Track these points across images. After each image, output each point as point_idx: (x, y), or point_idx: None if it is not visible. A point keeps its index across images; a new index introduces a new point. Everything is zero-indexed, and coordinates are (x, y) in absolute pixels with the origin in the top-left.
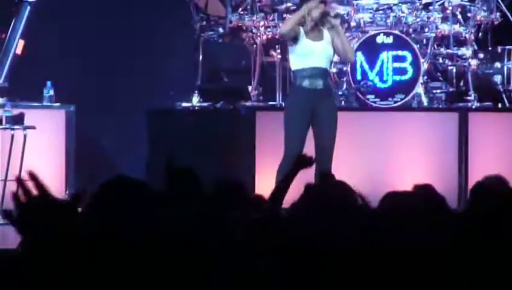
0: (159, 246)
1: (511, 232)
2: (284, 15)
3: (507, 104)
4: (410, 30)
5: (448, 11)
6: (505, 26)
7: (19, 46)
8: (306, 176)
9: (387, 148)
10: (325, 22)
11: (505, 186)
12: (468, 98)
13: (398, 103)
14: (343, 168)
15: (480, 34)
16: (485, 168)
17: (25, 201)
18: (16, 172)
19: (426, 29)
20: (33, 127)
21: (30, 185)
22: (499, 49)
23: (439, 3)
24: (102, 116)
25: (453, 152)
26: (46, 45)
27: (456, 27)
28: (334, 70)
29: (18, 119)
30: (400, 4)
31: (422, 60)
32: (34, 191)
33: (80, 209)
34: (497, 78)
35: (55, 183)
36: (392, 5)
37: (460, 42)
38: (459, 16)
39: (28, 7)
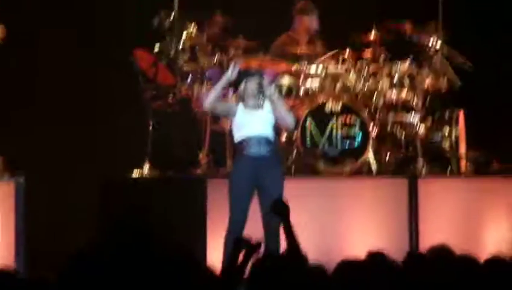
0: None
1: None
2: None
3: (455, 170)
4: (359, 97)
5: (395, 78)
6: (452, 91)
7: None
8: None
9: (338, 214)
10: (261, 91)
11: (450, 255)
12: (417, 164)
13: (348, 170)
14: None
15: (428, 100)
16: (435, 233)
17: None
18: None
19: (374, 96)
20: None
21: None
22: (447, 114)
23: (386, 70)
24: (52, 188)
25: (404, 218)
26: None
27: (404, 93)
28: (283, 137)
29: None
30: (348, 71)
31: (371, 127)
32: None
33: None
34: (446, 144)
35: (5, 256)
36: (340, 72)
37: (408, 108)
38: (407, 83)
39: None
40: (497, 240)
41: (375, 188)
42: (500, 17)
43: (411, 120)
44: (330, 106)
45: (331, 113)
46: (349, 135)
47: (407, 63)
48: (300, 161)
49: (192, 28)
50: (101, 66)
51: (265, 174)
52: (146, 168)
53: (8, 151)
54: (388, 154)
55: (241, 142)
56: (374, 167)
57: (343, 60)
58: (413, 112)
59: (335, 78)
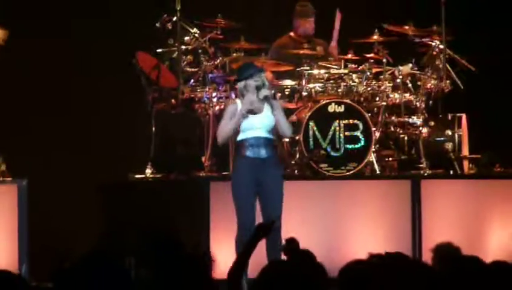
0: None
1: None
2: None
3: (458, 171)
4: (362, 99)
5: (398, 80)
6: (455, 94)
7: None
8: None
9: (341, 216)
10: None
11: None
12: (420, 165)
13: (351, 172)
14: (298, 237)
15: (430, 102)
16: (438, 235)
17: None
18: None
19: (377, 98)
20: None
21: None
22: (450, 116)
23: (389, 72)
24: (55, 190)
25: (407, 219)
26: None
27: (407, 96)
28: (286, 139)
29: None
30: (351, 73)
31: (373, 129)
32: None
33: None
34: (448, 146)
35: (8, 259)
36: (342, 74)
37: (411, 110)
38: (410, 85)
39: None
40: (500, 242)
41: (378, 189)
42: (504, 20)
43: (414, 122)
44: (333, 107)
45: (334, 115)
46: (352, 137)
47: (410, 65)
48: (304, 163)
49: (194, 31)
50: (104, 69)
51: (265, 176)
52: (148, 170)
53: (10, 154)
54: (391, 156)
55: (241, 144)
56: (377, 168)
57: (346, 62)
58: (416, 114)
59: (338, 79)
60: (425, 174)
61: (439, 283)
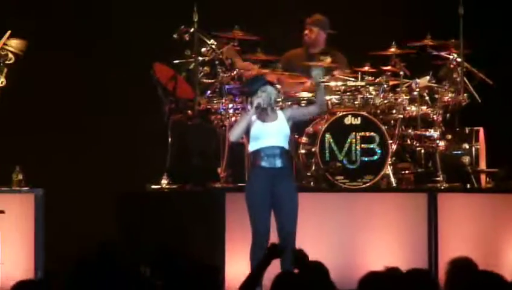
0: None
1: None
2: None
3: (475, 185)
4: (378, 111)
5: (415, 93)
6: (473, 107)
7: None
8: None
9: (357, 229)
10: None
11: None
12: (437, 178)
13: (367, 184)
14: (312, 250)
15: (447, 115)
16: (454, 249)
17: None
18: None
19: (394, 111)
20: (2, 212)
21: None
22: (467, 130)
23: (406, 85)
24: (71, 200)
25: (423, 233)
26: (15, 129)
27: (424, 108)
28: (302, 151)
29: None
30: (368, 86)
31: (390, 141)
32: None
33: None
34: (466, 159)
35: (24, 268)
36: (359, 86)
37: (428, 123)
38: (427, 98)
39: None
40: None
41: (394, 202)
42: None
43: (431, 135)
44: (349, 119)
45: (351, 127)
46: (369, 149)
47: (427, 78)
48: (319, 175)
49: (212, 42)
50: (121, 79)
51: (279, 187)
52: (164, 180)
53: (27, 164)
54: (407, 168)
55: (256, 154)
56: (393, 181)
57: (363, 74)
58: (433, 127)
59: (355, 92)
60: (442, 187)
61: None
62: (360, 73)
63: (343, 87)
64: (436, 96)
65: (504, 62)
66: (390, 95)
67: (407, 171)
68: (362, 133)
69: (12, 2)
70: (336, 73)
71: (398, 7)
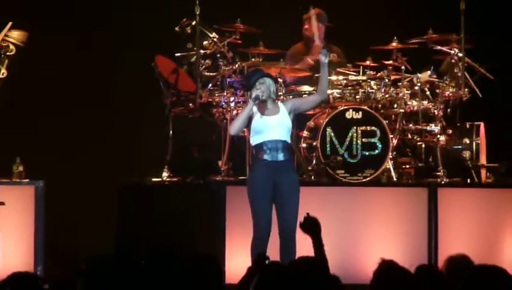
0: None
1: None
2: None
3: (476, 180)
4: (379, 106)
5: (416, 87)
6: (474, 102)
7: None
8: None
9: (357, 223)
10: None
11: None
12: (437, 173)
13: (368, 178)
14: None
15: (448, 110)
16: (454, 244)
17: None
18: None
19: (395, 105)
20: (2, 203)
21: None
22: (467, 125)
23: (407, 79)
24: (71, 192)
25: (423, 227)
26: (16, 121)
27: (425, 103)
28: (303, 145)
29: None
30: (369, 80)
31: (391, 136)
32: None
33: None
34: (466, 154)
35: (24, 259)
36: (361, 81)
37: (429, 118)
38: (428, 92)
39: None
40: None
41: (395, 197)
42: None
43: (432, 129)
44: (351, 114)
45: (352, 122)
46: (370, 144)
47: (428, 73)
48: (320, 169)
49: (213, 35)
50: (122, 72)
51: (281, 180)
52: (165, 173)
53: (27, 156)
54: (408, 163)
55: (257, 147)
56: (393, 175)
57: (365, 69)
58: (434, 122)
59: (356, 86)
60: (443, 182)
61: None
62: (361, 67)
63: (344, 81)
64: (437, 91)
65: (505, 57)
66: (392, 89)
67: (407, 166)
68: (363, 128)
69: None
70: (338, 67)
71: (400, 2)
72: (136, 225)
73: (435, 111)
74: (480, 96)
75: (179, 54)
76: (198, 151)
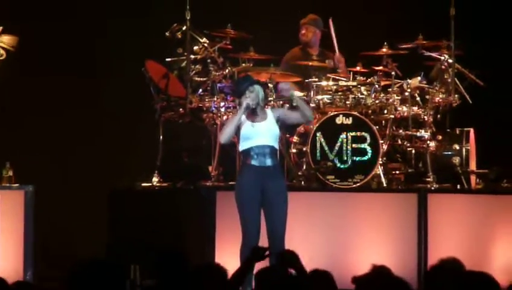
0: None
1: None
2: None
3: (465, 186)
4: (369, 111)
5: (406, 93)
6: (463, 108)
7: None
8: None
9: (347, 228)
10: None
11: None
12: (427, 179)
13: (358, 184)
14: (303, 249)
15: (438, 116)
16: (444, 250)
17: None
18: None
19: (385, 111)
20: None
21: None
22: (457, 131)
23: (397, 85)
24: (62, 197)
25: (412, 233)
26: (5, 126)
27: (415, 109)
28: (293, 150)
29: None
30: (359, 86)
31: (381, 141)
32: None
33: None
34: (456, 160)
35: (13, 265)
36: (351, 86)
37: (419, 124)
38: (418, 98)
39: None
40: (506, 257)
41: (385, 202)
42: None
43: (422, 135)
44: (341, 119)
45: (342, 127)
46: (360, 149)
47: (418, 79)
48: (310, 174)
49: (204, 41)
50: (112, 77)
51: (269, 185)
52: (155, 178)
53: (17, 160)
54: (398, 169)
55: (245, 153)
56: (383, 181)
57: (355, 74)
58: (424, 128)
59: (346, 92)
60: (432, 188)
61: None
62: (351, 73)
63: (334, 87)
64: (427, 96)
65: (495, 63)
66: (382, 95)
67: (397, 172)
68: (353, 133)
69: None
70: (334, 73)
71: (390, 8)
72: (126, 230)
73: (425, 117)
74: (470, 102)
75: (169, 59)
76: (189, 156)
